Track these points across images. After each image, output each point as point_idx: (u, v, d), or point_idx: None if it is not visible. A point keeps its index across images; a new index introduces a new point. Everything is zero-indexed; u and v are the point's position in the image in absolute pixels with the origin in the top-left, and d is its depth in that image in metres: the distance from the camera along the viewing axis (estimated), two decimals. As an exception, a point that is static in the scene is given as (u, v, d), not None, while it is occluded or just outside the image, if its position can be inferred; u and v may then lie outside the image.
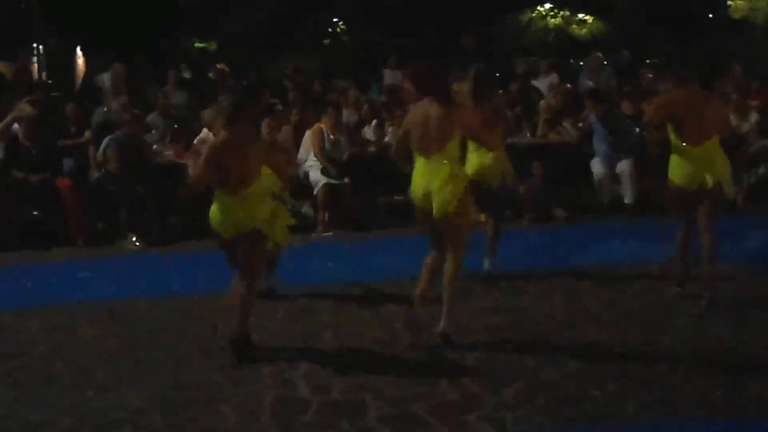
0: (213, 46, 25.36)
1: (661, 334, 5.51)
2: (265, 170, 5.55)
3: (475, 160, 6.54)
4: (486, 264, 6.90)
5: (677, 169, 6.03)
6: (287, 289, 6.72)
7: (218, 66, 15.08)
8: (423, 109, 5.43)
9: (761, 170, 9.74)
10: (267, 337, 5.69)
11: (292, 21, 22.57)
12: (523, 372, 4.91)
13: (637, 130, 9.57)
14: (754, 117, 9.96)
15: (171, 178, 9.41)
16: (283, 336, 5.72)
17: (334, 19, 25.25)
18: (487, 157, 6.54)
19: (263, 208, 5.30)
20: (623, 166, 9.48)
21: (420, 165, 5.45)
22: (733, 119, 10.21)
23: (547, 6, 25.90)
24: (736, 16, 22.83)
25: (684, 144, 5.97)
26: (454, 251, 5.37)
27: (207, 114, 8.48)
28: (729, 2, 23.09)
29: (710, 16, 23.57)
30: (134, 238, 8.77)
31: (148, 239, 8.76)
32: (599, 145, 9.63)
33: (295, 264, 7.18)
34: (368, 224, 9.25)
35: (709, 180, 5.89)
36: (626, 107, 10.47)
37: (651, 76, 13.37)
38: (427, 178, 5.37)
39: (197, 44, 25.52)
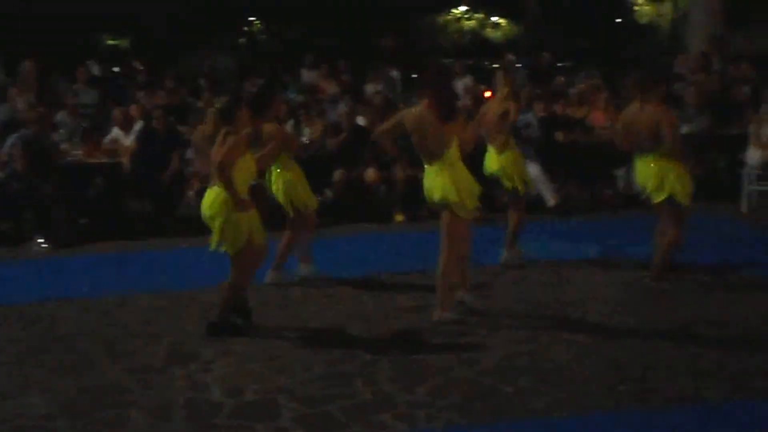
0: (125, 43, 24.82)
1: (573, 330, 5.63)
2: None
3: (494, 158, 7.06)
4: (504, 256, 7.20)
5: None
6: (203, 291, 6.63)
7: (132, 63, 14.75)
8: (420, 116, 5.72)
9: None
10: (182, 338, 5.60)
11: (207, 18, 22.27)
12: (437, 370, 4.96)
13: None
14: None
15: (80, 178, 9.17)
16: (195, 339, 5.63)
17: (250, 18, 25.05)
18: (503, 157, 7.02)
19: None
20: (534, 170, 9.63)
21: (428, 170, 5.81)
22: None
23: (462, 9, 26.29)
24: (643, 21, 23.65)
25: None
26: (443, 243, 5.72)
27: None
28: (636, 8, 23.90)
29: (618, 20, 24.35)
30: (41, 240, 8.51)
31: (56, 241, 8.51)
32: None
33: (207, 265, 7.08)
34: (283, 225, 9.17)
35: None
36: (538, 109, 10.69)
37: (563, 79, 13.70)
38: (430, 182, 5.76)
39: (109, 41, 24.94)
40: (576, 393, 4.61)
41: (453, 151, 5.68)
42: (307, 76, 14.46)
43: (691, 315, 5.86)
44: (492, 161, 7.10)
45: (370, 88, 13.06)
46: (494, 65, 17.33)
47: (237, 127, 5.57)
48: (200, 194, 9.29)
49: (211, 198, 5.55)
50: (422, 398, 4.58)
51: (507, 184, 7.09)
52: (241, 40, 24.95)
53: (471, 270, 6.11)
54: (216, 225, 5.53)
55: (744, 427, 4.22)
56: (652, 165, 6.37)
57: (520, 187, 7.09)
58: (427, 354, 5.25)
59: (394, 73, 13.78)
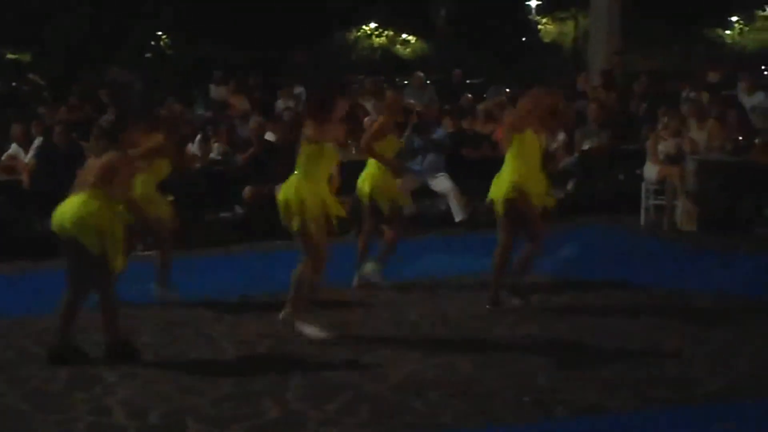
0: (26, 57, 24.05)
1: (479, 344, 5.70)
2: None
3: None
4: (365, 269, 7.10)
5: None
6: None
7: (30, 77, 14.31)
8: None
9: (568, 187, 10.36)
10: (84, 361, 5.42)
11: (113, 32, 21.78)
12: (347, 386, 4.95)
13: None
14: (561, 136, 10.59)
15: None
16: (98, 361, 5.46)
17: (158, 32, 24.64)
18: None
19: None
20: (446, 183, 9.75)
21: None
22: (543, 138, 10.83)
23: (373, 25, 26.51)
24: (547, 39, 24.35)
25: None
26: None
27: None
28: (540, 27, 24.59)
29: (524, 39, 24.99)
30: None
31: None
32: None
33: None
34: (193, 242, 9.02)
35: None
36: (447, 125, 10.85)
37: (470, 96, 13.95)
38: None
39: (9, 55, 24.13)
40: (483, 405, 4.66)
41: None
42: (216, 91, 14.32)
43: (593, 327, 6.01)
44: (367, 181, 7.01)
45: (280, 104, 13.01)
46: (404, 82, 17.53)
47: (123, 146, 5.52)
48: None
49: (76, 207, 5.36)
50: (332, 416, 4.56)
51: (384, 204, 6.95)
52: (148, 55, 24.49)
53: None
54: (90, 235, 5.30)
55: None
56: None
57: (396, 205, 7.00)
58: (334, 371, 5.22)
59: (301, 90, 13.74)
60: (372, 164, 7.03)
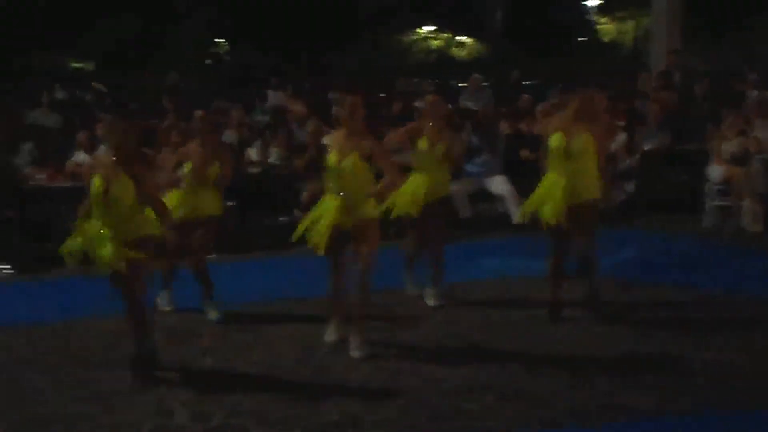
0: (90, 66, 24.66)
1: (536, 347, 5.65)
2: None
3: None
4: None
5: None
6: (164, 313, 6.58)
7: (94, 85, 14.66)
8: None
9: (628, 188, 10.19)
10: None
11: (172, 40, 22.21)
12: (403, 390, 4.95)
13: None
14: (622, 136, 10.43)
15: (43, 202, 9.07)
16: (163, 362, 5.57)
17: (216, 39, 25.03)
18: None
19: None
20: (504, 186, 9.70)
21: None
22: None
23: (429, 28, 26.50)
24: (606, 39, 24.02)
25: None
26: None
27: None
28: (598, 26, 24.26)
29: (581, 39, 24.68)
30: (4, 265, 8.39)
31: (20, 266, 8.39)
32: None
33: (174, 288, 7.00)
34: (251, 246, 9.14)
35: None
36: (504, 126, 10.79)
37: (528, 97, 13.84)
38: None
39: (74, 64, 24.76)
40: (539, 409, 4.62)
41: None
42: (274, 97, 14.47)
43: (654, 330, 5.91)
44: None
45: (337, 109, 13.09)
46: (460, 84, 17.47)
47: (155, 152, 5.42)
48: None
49: None
50: (389, 419, 4.57)
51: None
52: (208, 61, 24.90)
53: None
54: None
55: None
56: None
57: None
58: (390, 375, 5.22)
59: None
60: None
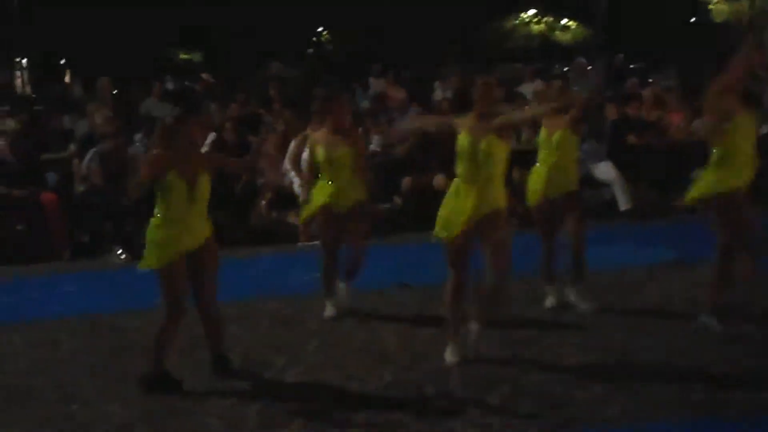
0: (198, 57, 25.37)
1: (644, 338, 5.50)
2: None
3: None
4: None
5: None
6: (270, 300, 6.71)
7: (203, 76, 15.07)
8: None
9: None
10: (253, 346, 5.66)
11: (275, 30, 22.59)
12: (507, 377, 4.91)
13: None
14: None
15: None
16: (266, 347, 5.69)
17: (318, 29, 25.33)
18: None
19: None
20: (610, 172, 9.48)
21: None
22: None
23: (531, 12, 26.08)
24: (719, 19, 23.09)
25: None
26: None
27: None
28: (710, 6, 23.34)
29: (692, 20, 23.79)
30: (120, 251, 8.74)
31: (134, 252, 8.71)
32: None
33: (278, 275, 7.16)
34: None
35: None
36: (610, 112, 10.51)
37: (635, 80, 13.45)
38: None
39: (183, 55, 25.53)
40: (649, 400, 4.50)
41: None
42: (375, 84, 14.54)
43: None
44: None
45: (437, 95, 13.06)
46: (564, 68, 17.11)
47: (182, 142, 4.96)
48: (271, 204, 9.52)
49: None
50: (493, 406, 4.54)
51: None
52: (310, 50, 25.25)
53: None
54: None
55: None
56: None
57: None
58: (494, 362, 5.18)
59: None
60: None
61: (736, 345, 5.27)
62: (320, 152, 6.20)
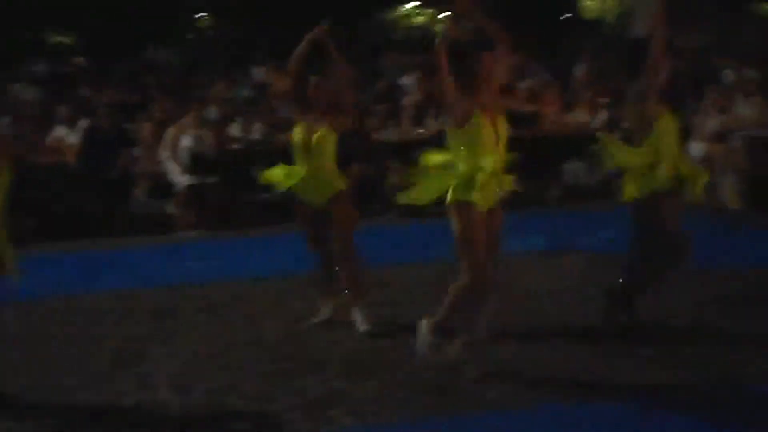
0: (70, 39, 24.36)
1: (524, 324, 5.66)
2: None
3: None
4: None
5: None
6: (148, 290, 6.57)
7: (75, 60, 14.51)
8: None
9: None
10: (129, 339, 5.53)
11: (153, 13, 21.92)
12: (387, 365, 4.95)
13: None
14: (603, 114, 10.46)
15: (24, 177, 8.99)
16: (144, 340, 5.57)
17: (199, 14, 24.77)
18: None
19: None
20: None
21: None
22: (584, 115, 10.72)
23: (412, 5, 26.35)
24: (588, 16, 23.98)
25: None
26: None
27: None
28: (580, 3, 24.23)
29: (562, 17, 24.58)
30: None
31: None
32: None
33: (157, 264, 7.02)
34: (236, 222, 9.13)
35: None
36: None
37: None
38: None
39: (56, 38, 24.46)
40: (529, 385, 4.65)
41: None
42: (258, 72, 14.38)
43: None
44: None
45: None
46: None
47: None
48: (148, 192, 9.30)
49: None
50: (372, 393, 4.60)
51: None
52: (189, 35, 24.66)
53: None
54: None
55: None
56: None
57: None
58: (374, 351, 5.23)
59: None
60: None
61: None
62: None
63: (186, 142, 9.29)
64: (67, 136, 9.84)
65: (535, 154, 10.10)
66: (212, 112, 10.58)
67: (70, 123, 9.93)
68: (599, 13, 23.80)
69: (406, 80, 13.13)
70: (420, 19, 26.64)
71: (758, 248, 7.42)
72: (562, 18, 24.17)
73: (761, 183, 8.96)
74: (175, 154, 9.27)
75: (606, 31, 22.71)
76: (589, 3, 24.09)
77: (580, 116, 10.82)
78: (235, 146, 10.00)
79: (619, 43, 16.80)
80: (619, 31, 20.60)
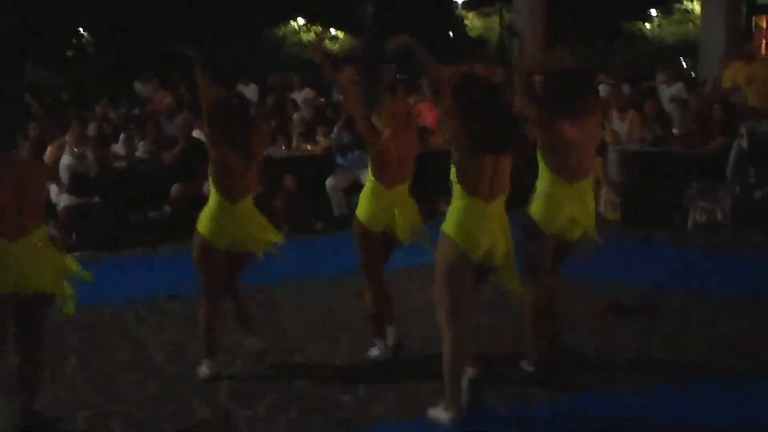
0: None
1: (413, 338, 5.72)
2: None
3: None
4: None
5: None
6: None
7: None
8: None
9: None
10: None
11: (31, 31, 21.16)
12: (276, 385, 4.93)
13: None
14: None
15: None
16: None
17: (79, 29, 24.08)
18: None
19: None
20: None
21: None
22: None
23: (301, 22, 26.42)
24: (473, 34, 24.65)
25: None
26: None
27: None
28: (467, 22, 24.88)
29: (451, 34, 25.20)
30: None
31: None
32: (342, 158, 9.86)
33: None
34: (120, 242, 8.86)
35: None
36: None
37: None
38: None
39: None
40: (415, 400, 4.69)
41: None
42: (141, 89, 14.09)
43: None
44: None
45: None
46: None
47: None
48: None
49: None
50: (262, 414, 4.55)
51: None
52: (69, 53, 23.93)
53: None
54: None
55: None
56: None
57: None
58: (263, 370, 5.19)
59: (251, 87, 13.47)
60: None
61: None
62: None
63: (66, 161, 8.97)
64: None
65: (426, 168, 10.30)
66: (92, 129, 10.27)
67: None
68: (483, 32, 24.51)
69: (295, 96, 13.15)
70: (308, 36, 26.73)
71: (633, 261, 7.69)
72: (449, 36, 24.78)
73: (634, 196, 9.37)
74: (56, 173, 8.92)
75: (489, 50, 23.37)
76: (473, 21, 24.77)
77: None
78: (118, 165, 9.71)
79: (501, 62, 17.27)
80: (501, 51, 21.23)
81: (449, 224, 4.26)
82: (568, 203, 4.88)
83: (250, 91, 13.11)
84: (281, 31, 26.32)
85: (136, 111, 12.71)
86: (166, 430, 4.39)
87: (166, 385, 4.97)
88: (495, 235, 4.28)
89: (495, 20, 24.01)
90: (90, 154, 9.25)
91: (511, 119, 4.30)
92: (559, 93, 4.89)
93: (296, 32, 26.48)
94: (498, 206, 4.32)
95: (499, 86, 4.41)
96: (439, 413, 4.34)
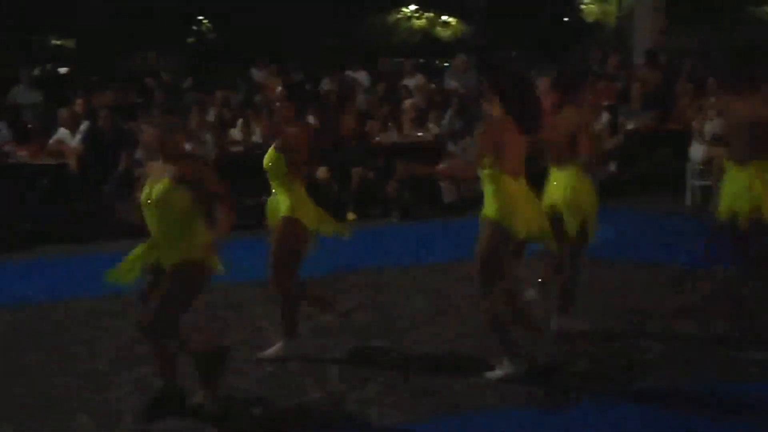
0: (70, 43, 24.38)
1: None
2: None
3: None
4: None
5: None
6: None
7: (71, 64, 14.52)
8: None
9: (611, 167, 10.24)
10: (127, 341, 5.51)
11: (152, 16, 21.92)
12: (384, 369, 4.95)
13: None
14: (605, 116, 10.44)
15: (25, 180, 9.01)
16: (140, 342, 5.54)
17: (199, 17, 24.82)
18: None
19: None
20: None
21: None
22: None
23: (412, 8, 26.38)
24: (589, 19, 24.03)
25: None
26: None
27: None
28: (582, 6, 24.25)
29: (565, 19, 24.65)
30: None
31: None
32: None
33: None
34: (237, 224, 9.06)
35: None
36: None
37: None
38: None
39: (54, 41, 24.48)
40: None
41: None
42: (257, 75, 14.35)
43: (632, 308, 5.92)
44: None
45: (324, 87, 12.99)
46: (445, 63, 17.36)
47: None
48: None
49: None
50: (370, 396, 4.59)
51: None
52: (190, 39, 24.70)
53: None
54: None
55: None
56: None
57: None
58: (372, 355, 5.21)
59: (361, 74, 13.57)
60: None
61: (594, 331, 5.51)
62: None
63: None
64: (68, 138, 9.81)
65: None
66: (211, 115, 10.55)
67: (72, 125, 9.88)
68: (599, 17, 23.87)
69: (407, 82, 13.12)
70: (420, 23, 26.67)
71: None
72: (563, 21, 24.25)
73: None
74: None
75: (606, 34, 22.75)
76: (590, 7, 24.13)
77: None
78: (235, 149, 9.96)
79: (618, 46, 16.79)
80: (619, 35, 20.63)
81: (491, 210, 4.55)
82: None
83: (361, 77, 13.19)
84: (393, 17, 26.35)
85: (257, 98, 12.96)
86: (280, 406, 4.47)
87: (280, 365, 5.07)
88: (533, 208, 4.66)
89: (612, 3, 23.33)
90: (209, 139, 9.54)
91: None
92: None
93: (407, 18, 26.44)
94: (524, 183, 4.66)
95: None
96: (506, 367, 4.65)
